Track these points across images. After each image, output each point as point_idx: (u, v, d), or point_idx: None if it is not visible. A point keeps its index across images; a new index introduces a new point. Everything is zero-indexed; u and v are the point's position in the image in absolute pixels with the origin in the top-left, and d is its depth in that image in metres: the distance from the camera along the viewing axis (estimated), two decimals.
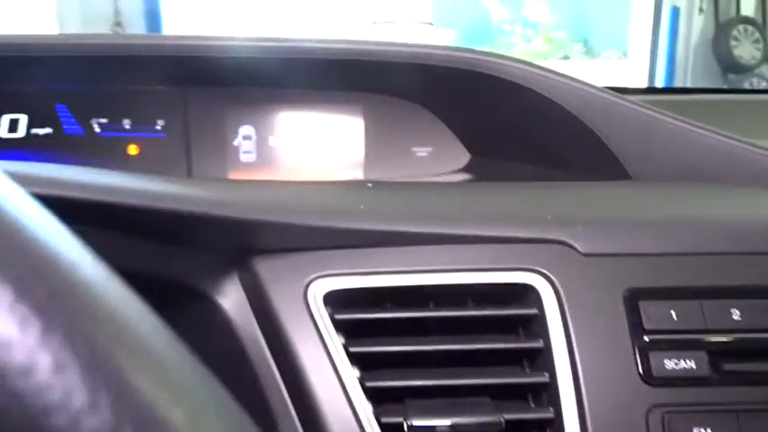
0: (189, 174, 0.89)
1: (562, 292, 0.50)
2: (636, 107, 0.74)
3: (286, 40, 0.75)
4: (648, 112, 0.73)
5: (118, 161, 0.90)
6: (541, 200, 0.64)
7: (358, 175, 0.93)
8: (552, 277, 0.51)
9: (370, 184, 0.68)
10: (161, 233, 0.48)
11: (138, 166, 0.90)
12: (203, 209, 0.48)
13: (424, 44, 0.77)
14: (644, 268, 0.52)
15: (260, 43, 0.74)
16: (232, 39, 0.74)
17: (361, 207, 0.53)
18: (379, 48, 0.76)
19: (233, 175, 0.89)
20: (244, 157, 0.92)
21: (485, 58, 0.75)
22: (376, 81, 0.86)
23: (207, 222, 0.48)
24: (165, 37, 0.77)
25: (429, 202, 0.61)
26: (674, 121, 0.73)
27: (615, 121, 0.74)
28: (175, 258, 0.50)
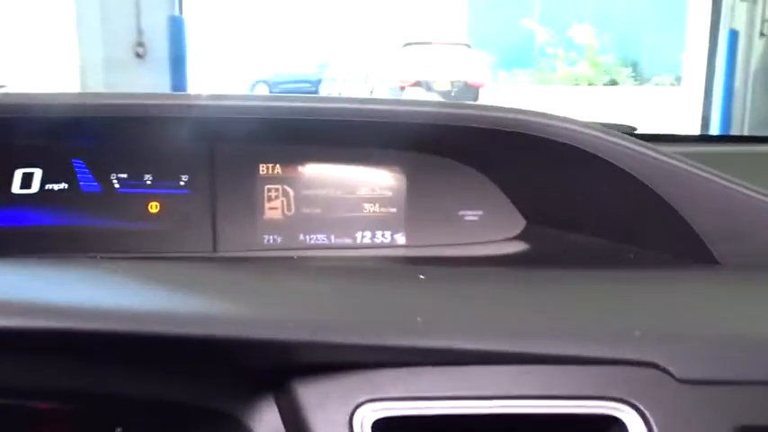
0: (213, 234, 0.90)
1: (655, 429, 0.45)
2: (716, 179, 0.72)
3: (322, 101, 0.74)
4: (731, 185, 0.71)
5: (137, 219, 0.90)
6: (621, 301, 0.59)
7: (400, 239, 0.95)
8: (643, 409, 0.47)
9: (422, 276, 0.64)
10: (188, 358, 0.45)
11: (159, 225, 0.91)
12: (236, 332, 0.44)
13: (475, 104, 0.78)
14: (756, 400, 0.46)
15: (294, 104, 0.72)
16: (263, 98, 0.77)
17: (418, 320, 0.49)
18: (427, 109, 0.73)
19: (262, 237, 0.92)
20: (272, 217, 0.92)
21: (546, 121, 0.72)
22: (419, 140, 0.87)
23: (241, 345, 0.44)
24: (194, 96, 0.78)
25: (493, 304, 0.57)
26: (760, 197, 0.71)
27: (695, 195, 0.72)
28: (204, 381, 0.47)
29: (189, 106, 0.75)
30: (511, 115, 0.75)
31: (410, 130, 0.83)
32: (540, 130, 0.74)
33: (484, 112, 0.76)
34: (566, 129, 0.73)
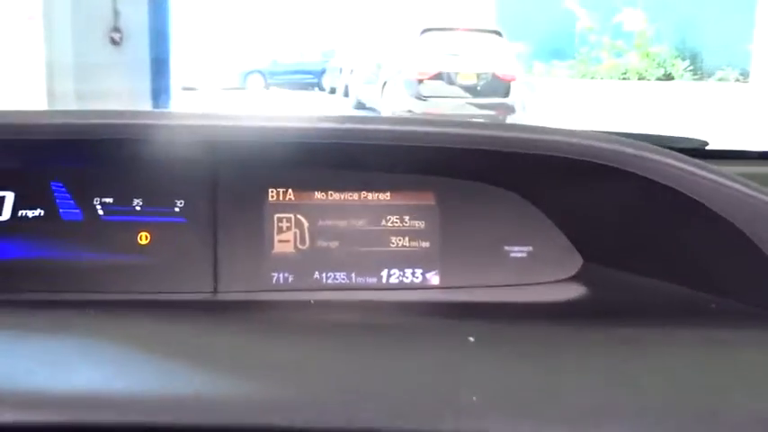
0: (214, 271, 0.90)
1: None
2: None
3: (342, 121, 0.75)
4: None
5: (125, 252, 0.90)
6: (716, 372, 0.61)
7: (433, 279, 0.95)
8: None
9: (471, 338, 0.66)
10: None
11: (150, 259, 0.90)
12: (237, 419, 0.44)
13: (523, 126, 0.78)
14: None
15: (309, 125, 0.75)
16: (273, 119, 0.76)
17: (474, 398, 0.48)
18: (462, 131, 0.76)
19: (270, 275, 0.92)
20: (283, 251, 0.93)
21: (611, 147, 0.72)
22: (455, 163, 0.87)
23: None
24: (192, 115, 0.76)
25: (558, 378, 0.58)
26: None
27: None
28: None
29: (189, 127, 0.76)
30: (573, 140, 0.75)
31: (444, 153, 0.82)
32: (607, 158, 0.74)
33: (537, 136, 0.76)
34: (636, 157, 0.73)
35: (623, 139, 0.77)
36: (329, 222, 0.94)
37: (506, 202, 0.93)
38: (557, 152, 0.76)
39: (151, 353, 0.61)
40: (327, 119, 0.77)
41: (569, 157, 0.76)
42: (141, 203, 0.91)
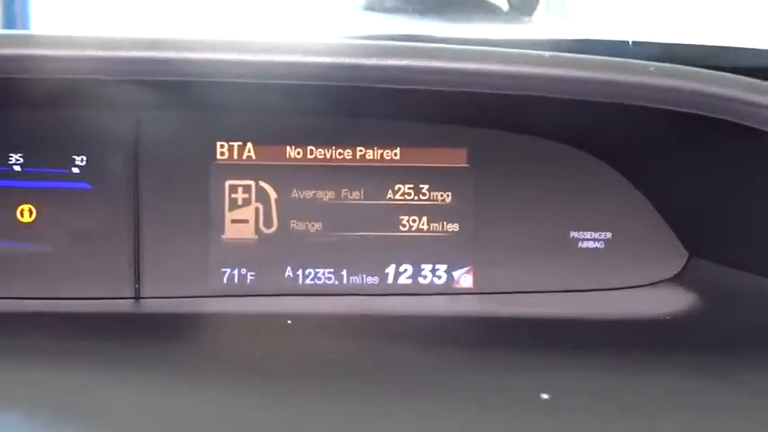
0: (135, 267, 0.75)
1: None
2: None
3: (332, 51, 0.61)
4: None
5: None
6: None
7: (464, 279, 0.78)
8: None
9: (544, 395, 0.55)
10: None
11: (35, 246, 0.75)
12: None
13: (615, 63, 0.63)
14: None
15: (276, 58, 0.60)
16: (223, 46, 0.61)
17: None
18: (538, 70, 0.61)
19: (219, 272, 0.76)
20: (238, 236, 0.76)
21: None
22: (495, 106, 0.73)
23: None
24: (93, 41, 0.60)
25: None
26: None
27: None
28: None
29: (92, 58, 0.59)
30: (711, 89, 0.62)
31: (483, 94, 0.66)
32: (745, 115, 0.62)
33: (653, 81, 0.62)
34: None
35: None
36: (309, 193, 0.77)
37: (576, 166, 0.79)
38: (688, 107, 0.62)
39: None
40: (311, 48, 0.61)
41: (697, 113, 0.63)
42: (21, 162, 0.74)
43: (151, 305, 0.76)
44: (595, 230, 0.79)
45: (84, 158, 0.74)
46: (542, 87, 0.62)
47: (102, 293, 0.75)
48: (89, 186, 0.74)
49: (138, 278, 0.75)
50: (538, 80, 0.62)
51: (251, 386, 0.58)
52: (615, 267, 0.79)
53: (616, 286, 0.79)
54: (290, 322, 0.72)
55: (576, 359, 0.65)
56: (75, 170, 0.74)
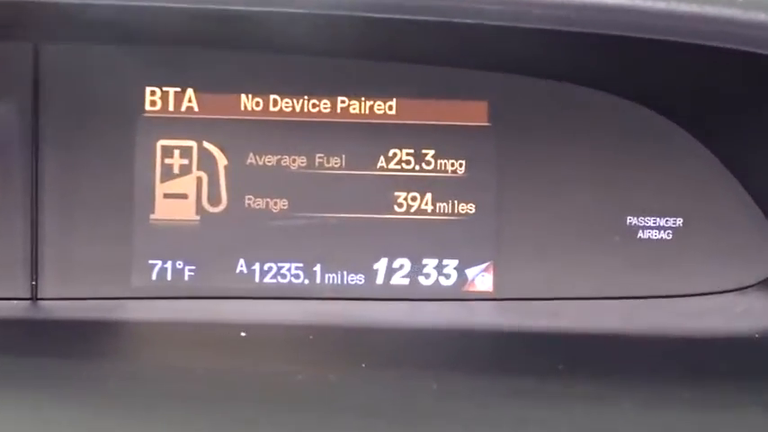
0: (33, 260, 0.65)
1: None
2: None
3: None
4: None
5: None
6: None
7: (480, 281, 0.67)
8: None
9: None
10: None
11: None
12: None
13: None
14: None
15: None
16: None
17: None
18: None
19: (146, 265, 0.65)
20: (170, 216, 0.65)
21: None
22: (529, 48, 0.62)
23: None
24: None
25: None
26: None
27: None
28: None
29: None
30: None
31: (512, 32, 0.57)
32: None
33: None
34: None
35: None
36: (271, 159, 0.65)
37: (636, 128, 0.68)
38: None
39: None
40: None
41: None
42: None
43: (52, 308, 0.66)
44: (661, 215, 0.68)
45: None
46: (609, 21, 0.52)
47: None
48: None
49: (34, 273, 0.66)
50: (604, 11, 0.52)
51: (187, 420, 0.48)
52: (687, 266, 0.68)
53: (688, 292, 0.68)
54: (243, 335, 0.62)
55: (631, 390, 0.54)
56: None
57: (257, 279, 0.65)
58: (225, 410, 0.50)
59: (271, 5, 0.55)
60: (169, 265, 0.65)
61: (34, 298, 0.66)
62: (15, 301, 0.66)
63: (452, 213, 0.66)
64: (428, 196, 0.66)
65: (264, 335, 0.64)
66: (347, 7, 0.55)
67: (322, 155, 0.64)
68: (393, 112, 0.65)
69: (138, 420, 0.48)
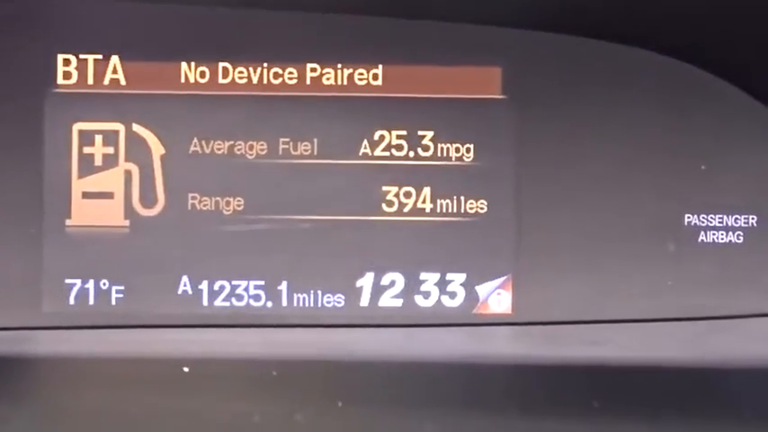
0: None
1: None
2: None
3: None
4: None
5: None
6: None
7: (496, 301, 0.59)
8: None
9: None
10: None
11: None
12: None
13: None
14: None
15: None
16: None
17: None
18: None
19: (60, 287, 0.56)
20: (91, 222, 0.56)
21: None
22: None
23: None
24: None
25: None
26: None
27: None
28: None
29: None
30: None
31: None
32: None
33: None
34: None
35: None
36: (221, 145, 0.55)
37: (694, 97, 0.59)
38: None
39: None
40: None
41: None
42: None
43: None
44: (729, 212, 0.58)
45: None
46: None
47: None
48: None
49: None
50: None
51: None
52: (762, 276, 0.58)
53: (764, 311, 0.58)
54: (186, 370, 0.52)
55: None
56: None
57: (205, 302, 0.55)
58: None
59: None
60: (91, 285, 0.55)
61: None
62: None
63: (458, 213, 0.57)
64: (426, 191, 0.56)
65: (213, 371, 0.54)
66: None
67: (287, 139, 0.54)
68: (378, 82, 0.55)
69: None
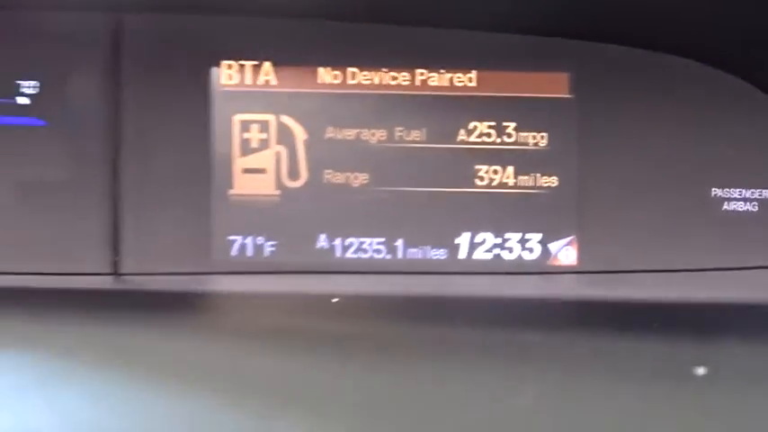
0: (113, 235, 0.63)
1: None
2: None
3: None
4: None
5: None
6: None
7: (564, 254, 0.66)
8: None
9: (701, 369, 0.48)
10: None
11: None
12: None
13: None
14: None
15: None
16: None
17: None
18: None
19: (225, 242, 0.64)
20: (248, 192, 0.64)
21: None
22: (611, 12, 0.63)
23: None
24: None
25: None
26: None
27: None
28: None
29: None
30: None
31: None
32: None
33: None
34: None
35: None
36: (350, 132, 0.64)
37: (723, 98, 0.65)
38: None
39: None
40: None
41: None
42: None
43: (133, 283, 0.64)
44: (747, 186, 0.66)
45: (37, 85, 0.61)
46: None
47: (73, 267, 0.63)
48: (45, 123, 0.62)
49: (116, 248, 0.63)
50: None
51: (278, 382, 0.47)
52: None
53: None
54: (335, 300, 0.60)
55: (727, 353, 0.53)
56: (22, 100, 0.61)
57: (338, 254, 0.64)
58: (302, 368, 0.50)
59: None
60: (249, 240, 0.64)
61: (116, 273, 0.64)
62: (98, 276, 0.64)
63: (534, 186, 0.65)
64: (509, 169, 0.65)
65: (347, 306, 0.63)
66: None
67: (402, 128, 0.63)
68: (473, 84, 0.64)
69: (223, 383, 0.48)
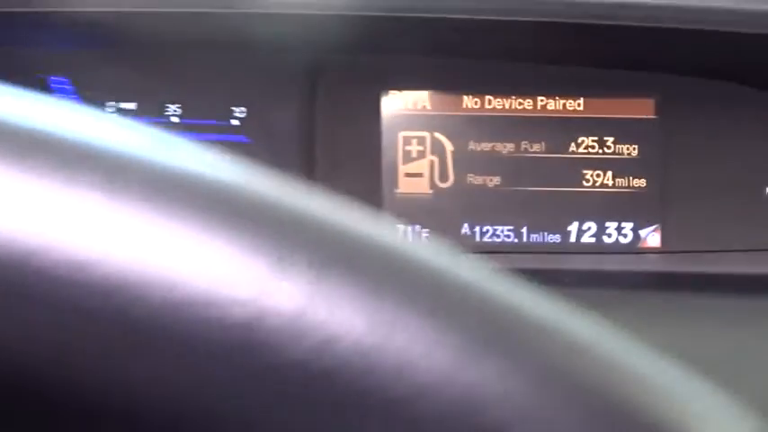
0: None
1: None
2: None
3: None
4: None
5: None
6: None
7: (650, 238, 0.76)
8: None
9: None
10: None
11: None
12: None
13: None
14: None
15: None
16: None
17: None
18: None
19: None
20: (410, 190, 0.75)
21: None
22: (686, 52, 0.72)
23: None
24: None
25: None
26: None
27: None
28: None
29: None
30: None
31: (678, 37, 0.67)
32: None
33: None
34: None
35: None
36: (486, 145, 0.74)
37: None
38: None
39: None
40: None
41: None
42: (179, 112, 0.73)
43: None
44: None
45: (245, 111, 0.72)
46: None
47: None
48: (248, 139, 0.73)
49: None
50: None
51: None
52: None
53: None
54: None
55: None
56: (235, 122, 0.72)
57: (477, 239, 0.74)
58: None
59: (490, 14, 0.64)
60: (410, 228, 0.74)
61: None
62: None
63: (628, 187, 0.74)
64: (609, 173, 0.74)
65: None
66: (554, 15, 0.64)
67: (526, 142, 0.73)
68: (581, 108, 0.73)
69: None
